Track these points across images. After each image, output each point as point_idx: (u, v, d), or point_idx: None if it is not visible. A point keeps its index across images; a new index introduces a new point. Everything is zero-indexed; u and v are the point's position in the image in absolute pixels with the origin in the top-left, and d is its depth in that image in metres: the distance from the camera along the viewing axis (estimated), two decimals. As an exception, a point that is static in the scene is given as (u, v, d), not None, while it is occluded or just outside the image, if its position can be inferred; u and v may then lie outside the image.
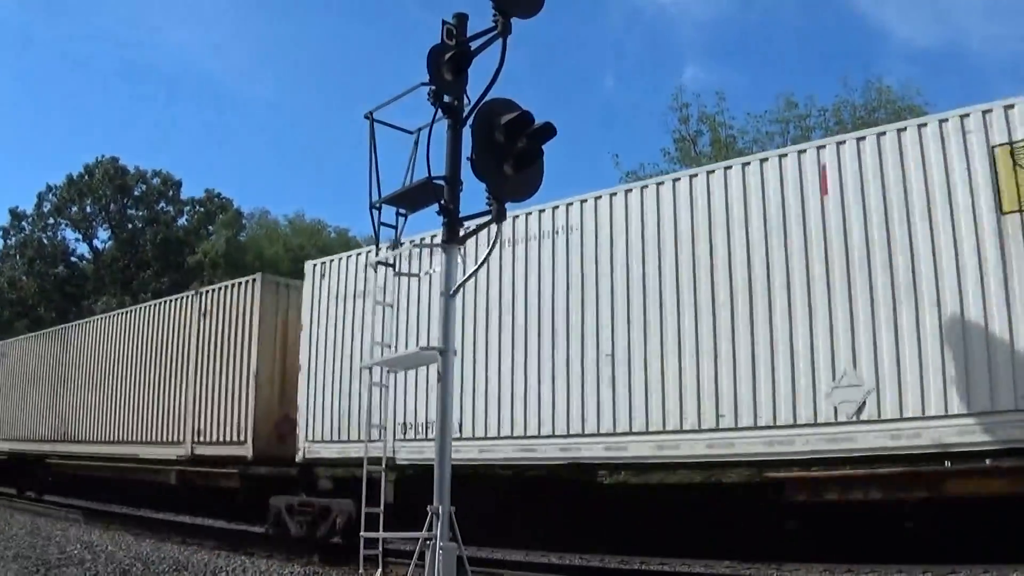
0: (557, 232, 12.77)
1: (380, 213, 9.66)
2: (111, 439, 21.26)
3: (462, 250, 9.11)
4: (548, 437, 12.41)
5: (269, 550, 16.18)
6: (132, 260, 58.98)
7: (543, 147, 8.58)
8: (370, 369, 11.47)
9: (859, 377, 9.88)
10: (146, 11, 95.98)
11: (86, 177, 60.02)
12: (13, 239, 61.95)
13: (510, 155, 8.44)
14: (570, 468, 12.72)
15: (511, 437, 12.74)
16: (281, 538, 16.34)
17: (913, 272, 9.67)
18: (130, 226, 60.94)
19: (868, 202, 10.08)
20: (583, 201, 12.69)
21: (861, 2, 79.53)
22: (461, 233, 8.90)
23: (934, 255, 9.50)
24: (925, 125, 9.87)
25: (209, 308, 18.72)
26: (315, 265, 16.66)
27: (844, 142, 10.55)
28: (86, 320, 25.54)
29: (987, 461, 9.34)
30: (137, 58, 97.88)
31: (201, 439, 18.01)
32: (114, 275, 58.38)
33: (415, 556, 8.47)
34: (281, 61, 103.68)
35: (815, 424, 10.14)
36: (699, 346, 11.23)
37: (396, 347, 12.89)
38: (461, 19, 8.84)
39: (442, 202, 8.75)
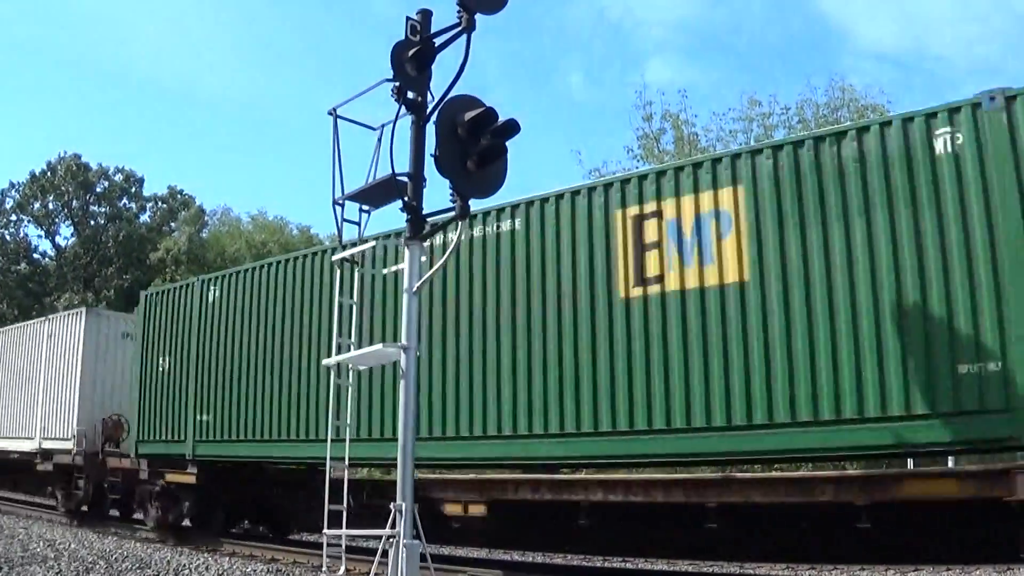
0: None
1: (343, 209, 9.65)
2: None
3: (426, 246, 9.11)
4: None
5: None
6: (94, 257, 58.43)
7: (507, 144, 8.59)
8: (331, 368, 11.40)
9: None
10: (114, 8, 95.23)
11: (48, 174, 59.44)
12: (-25, 235, 61.23)
13: (474, 152, 8.45)
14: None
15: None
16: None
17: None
18: (92, 223, 60.35)
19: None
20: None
21: (827, 2, 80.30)
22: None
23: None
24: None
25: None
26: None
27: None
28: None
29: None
30: (102, 55, 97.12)
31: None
32: (76, 272, 57.84)
33: (379, 553, 8.46)
34: (247, 59, 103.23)
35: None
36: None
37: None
38: (425, 15, 8.84)
39: (405, 199, 8.74)
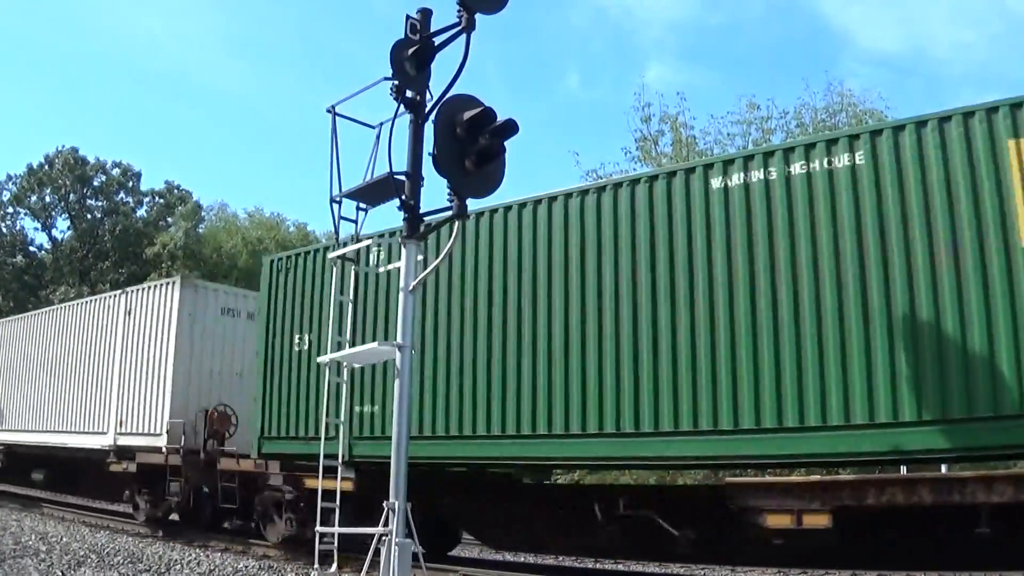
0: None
1: (340, 207, 9.65)
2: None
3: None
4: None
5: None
6: (91, 251, 58.41)
7: (505, 144, 8.58)
8: (327, 365, 11.40)
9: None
10: (112, 1, 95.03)
11: (46, 167, 59.41)
12: (-29, 228, 61.21)
13: (472, 151, 8.45)
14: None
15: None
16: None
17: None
18: (89, 216, 60.34)
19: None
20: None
21: (826, 5, 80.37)
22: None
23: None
24: None
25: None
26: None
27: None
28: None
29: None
30: (101, 47, 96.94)
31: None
32: (72, 265, 57.78)
33: (371, 552, 8.45)
34: (245, 54, 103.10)
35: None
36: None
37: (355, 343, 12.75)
38: (425, 14, 8.83)
39: (403, 197, 8.73)
